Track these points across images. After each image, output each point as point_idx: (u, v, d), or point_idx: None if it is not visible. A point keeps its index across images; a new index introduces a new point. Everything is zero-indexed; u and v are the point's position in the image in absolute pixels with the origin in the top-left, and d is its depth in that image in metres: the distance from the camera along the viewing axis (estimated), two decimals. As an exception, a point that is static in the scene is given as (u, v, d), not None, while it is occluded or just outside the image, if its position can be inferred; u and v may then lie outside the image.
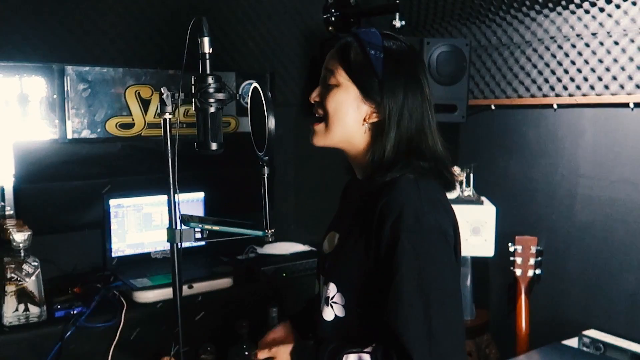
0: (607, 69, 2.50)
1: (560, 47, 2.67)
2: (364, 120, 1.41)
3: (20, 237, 2.12)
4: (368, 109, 1.40)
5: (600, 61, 2.52)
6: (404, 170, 1.35)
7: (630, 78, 2.42)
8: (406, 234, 1.26)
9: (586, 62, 2.57)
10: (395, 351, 1.25)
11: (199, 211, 2.78)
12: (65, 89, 2.51)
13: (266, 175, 1.63)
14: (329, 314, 1.42)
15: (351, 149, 1.45)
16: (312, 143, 1.48)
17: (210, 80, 1.53)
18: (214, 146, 1.55)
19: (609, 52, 2.48)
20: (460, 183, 2.80)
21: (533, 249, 2.72)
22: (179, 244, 1.60)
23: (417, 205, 1.30)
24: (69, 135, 2.55)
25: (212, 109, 1.54)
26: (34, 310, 2.15)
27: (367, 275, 1.34)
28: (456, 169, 2.69)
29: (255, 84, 1.57)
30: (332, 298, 1.41)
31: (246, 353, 2.38)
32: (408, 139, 1.38)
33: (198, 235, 1.64)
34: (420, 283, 1.26)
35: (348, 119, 1.41)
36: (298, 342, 1.41)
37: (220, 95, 1.54)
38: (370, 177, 1.40)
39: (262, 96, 1.51)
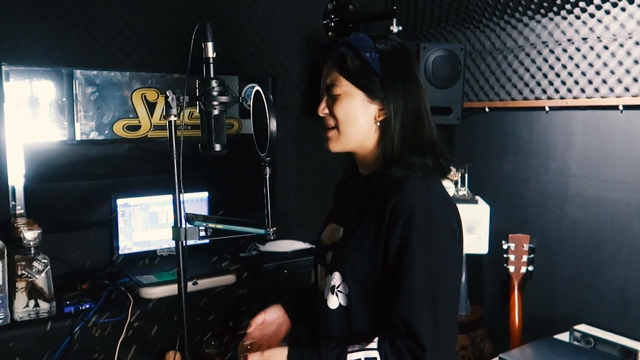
0: (597, 73, 2.52)
1: (551, 51, 2.69)
2: (375, 119, 1.45)
3: (30, 235, 2.16)
4: (376, 107, 1.44)
5: (591, 65, 2.54)
6: (411, 169, 1.41)
7: (619, 81, 2.44)
8: (418, 231, 1.32)
9: (577, 66, 2.59)
10: (407, 339, 1.31)
11: (203, 210, 2.81)
12: (74, 92, 2.55)
13: (268, 175, 1.65)
14: (333, 303, 1.46)
15: (363, 149, 1.49)
16: (328, 149, 1.51)
17: (214, 83, 1.56)
18: (217, 147, 1.58)
19: (599, 56, 2.50)
20: (456, 183, 2.81)
21: (526, 247, 2.74)
22: (184, 241, 1.62)
23: (428, 203, 1.36)
24: (78, 137, 2.58)
25: (215, 112, 1.57)
26: (43, 305, 2.18)
27: (374, 267, 1.39)
28: (451, 169, 2.74)
29: (257, 87, 1.59)
30: (338, 287, 1.45)
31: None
32: (411, 125, 1.44)
33: (202, 234, 1.66)
34: (430, 276, 1.32)
35: (360, 121, 1.45)
36: (293, 346, 1.40)
37: (224, 98, 1.57)
38: (380, 172, 1.44)
39: (264, 99, 1.53)
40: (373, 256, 1.39)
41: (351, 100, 1.45)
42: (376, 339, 1.35)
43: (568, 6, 2.55)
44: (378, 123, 1.46)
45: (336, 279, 1.46)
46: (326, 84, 1.49)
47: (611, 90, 2.49)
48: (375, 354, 1.32)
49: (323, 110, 1.49)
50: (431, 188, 1.40)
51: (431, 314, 1.31)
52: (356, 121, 1.45)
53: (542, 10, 2.67)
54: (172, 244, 1.65)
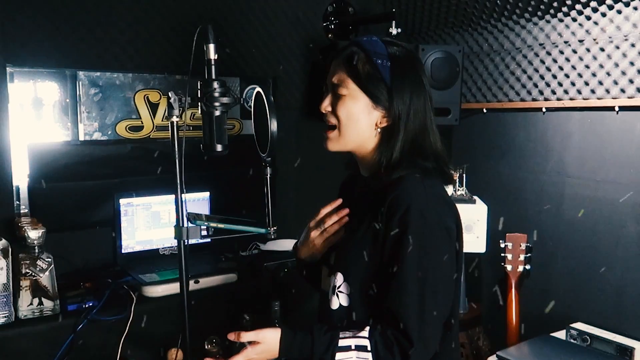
0: (594, 74, 2.53)
1: (548, 53, 2.70)
2: (376, 125, 1.46)
3: (34, 234, 2.18)
4: (379, 114, 1.45)
5: (587, 67, 2.55)
6: (409, 169, 1.42)
7: (615, 83, 2.45)
8: (412, 227, 1.34)
9: (573, 67, 2.60)
10: (396, 330, 1.34)
11: (204, 210, 2.83)
12: (78, 93, 2.57)
13: (269, 175, 1.69)
14: (334, 303, 1.49)
15: (361, 150, 1.50)
16: (326, 148, 1.52)
17: (215, 85, 1.58)
18: (219, 148, 1.61)
19: (595, 58, 2.51)
20: (454, 183, 2.83)
21: (523, 246, 2.73)
22: (186, 240, 1.64)
23: (423, 201, 1.37)
24: (81, 138, 2.60)
25: (217, 113, 1.59)
26: (47, 304, 2.20)
27: (373, 264, 1.41)
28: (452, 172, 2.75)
29: (258, 89, 1.63)
30: (339, 287, 1.47)
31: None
32: (413, 138, 1.44)
33: (204, 233, 1.70)
34: (420, 272, 1.34)
35: (360, 125, 1.46)
36: (285, 330, 1.42)
37: (225, 100, 1.59)
38: (377, 175, 1.45)
39: (265, 100, 1.57)
40: (372, 255, 1.41)
41: (355, 103, 1.45)
42: (367, 328, 1.38)
43: (565, 9, 2.57)
44: (379, 129, 1.46)
45: (338, 279, 1.48)
46: (332, 82, 1.48)
47: (607, 91, 2.50)
48: (366, 342, 1.36)
49: (326, 107, 1.50)
50: (427, 186, 1.41)
51: (418, 310, 1.34)
52: (357, 124, 1.46)
53: (539, 13, 2.68)
54: (174, 242, 1.67)
